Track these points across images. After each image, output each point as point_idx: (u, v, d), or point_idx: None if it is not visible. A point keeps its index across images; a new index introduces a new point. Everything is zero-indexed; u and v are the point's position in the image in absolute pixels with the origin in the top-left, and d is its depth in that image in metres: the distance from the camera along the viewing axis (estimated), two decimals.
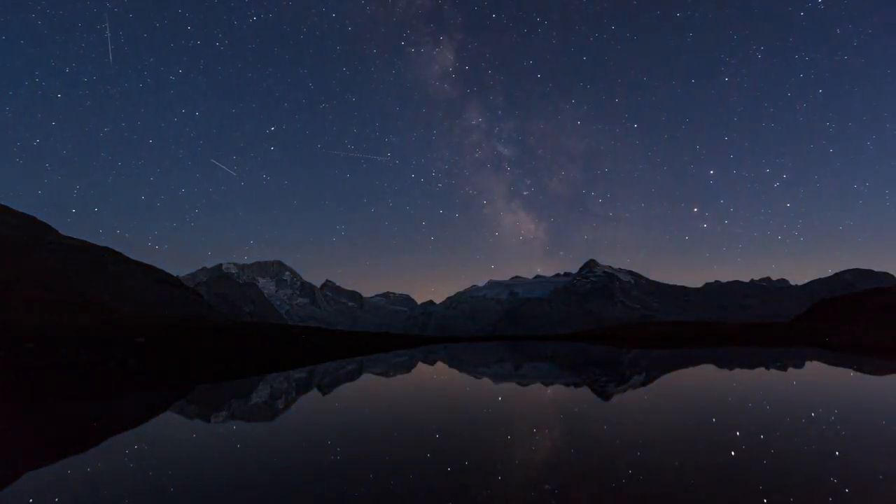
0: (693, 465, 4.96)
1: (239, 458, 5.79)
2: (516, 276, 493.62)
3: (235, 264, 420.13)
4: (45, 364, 23.54)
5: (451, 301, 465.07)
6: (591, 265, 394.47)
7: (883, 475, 4.55)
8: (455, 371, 19.65)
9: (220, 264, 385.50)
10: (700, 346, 39.05)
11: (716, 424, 7.15)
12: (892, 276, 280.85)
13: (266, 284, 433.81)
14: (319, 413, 9.34)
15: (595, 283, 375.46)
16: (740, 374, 15.82)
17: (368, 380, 16.49)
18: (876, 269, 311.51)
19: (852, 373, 15.97)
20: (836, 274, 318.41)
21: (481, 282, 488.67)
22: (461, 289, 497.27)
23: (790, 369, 17.34)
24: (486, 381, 15.14)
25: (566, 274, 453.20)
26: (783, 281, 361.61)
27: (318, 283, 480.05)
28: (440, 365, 23.14)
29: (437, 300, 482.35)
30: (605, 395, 10.99)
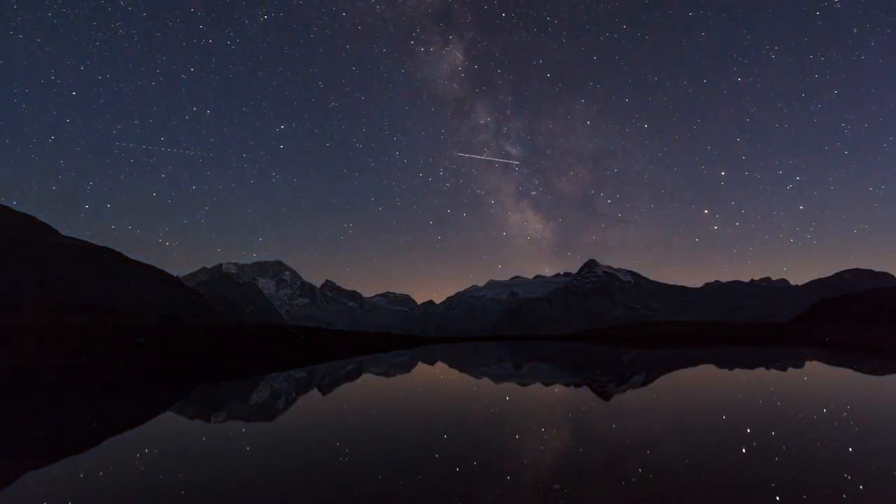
0: (694, 466, 4.96)
1: (239, 459, 5.79)
2: (516, 276, 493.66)
3: (235, 264, 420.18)
4: (45, 364, 23.54)
5: (451, 301, 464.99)
6: (591, 265, 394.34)
7: (883, 475, 4.55)
8: (455, 371, 19.65)
9: (220, 264, 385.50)
10: (700, 346, 39.04)
11: (716, 425, 7.15)
12: (892, 276, 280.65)
13: (266, 284, 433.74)
14: (319, 413, 9.34)
15: (595, 283, 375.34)
16: (740, 374, 15.82)
17: (368, 380, 16.49)
18: (876, 269, 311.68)
19: (852, 373, 15.96)
20: (836, 274, 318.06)
21: (483, 282, 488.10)
22: (461, 289, 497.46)
23: (790, 369, 17.34)
24: (486, 381, 15.13)
25: (566, 274, 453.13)
26: (783, 281, 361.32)
27: (318, 283, 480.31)
28: (440, 365, 23.14)
29: (438, 300, 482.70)
30: (605, 396, 10.99)
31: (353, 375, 18.13)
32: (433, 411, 9.12)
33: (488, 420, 8.04)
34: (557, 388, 12.83)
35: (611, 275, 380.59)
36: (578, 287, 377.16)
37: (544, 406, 9.64)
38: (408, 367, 21.68)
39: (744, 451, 5.48)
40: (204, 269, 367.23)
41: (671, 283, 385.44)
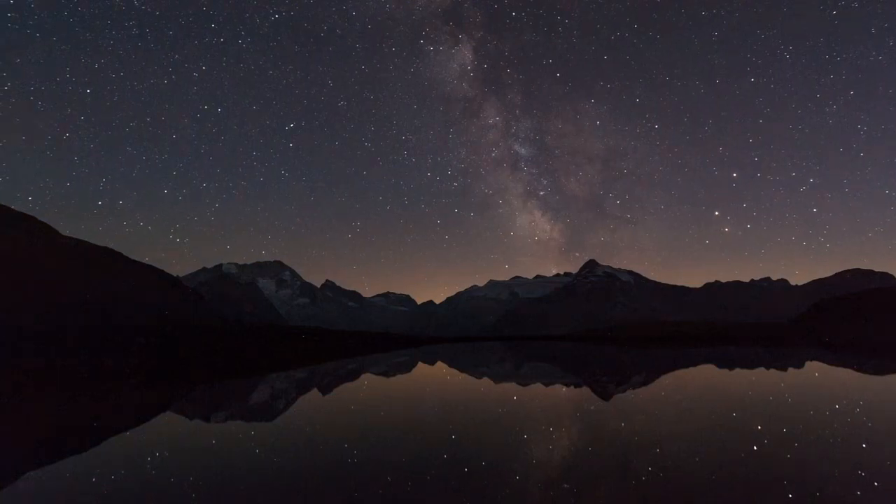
0: (694, 466, 4.96)
1: (239, 459, 5.79)
2: (516, 276, 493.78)
3: (236, 264, 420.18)
4: (45, 364, 23.52)
5: (451, 301, 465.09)
6: (591, 265, 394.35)
7: (884, 475, 4.55)
8: (455, 371, 19.65)
9: (220, 264, 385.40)
10: (700, 346, 39.03)
11: (716, 426, 7.15)
12: (891, 276, 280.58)
13: (266, 284, 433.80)
14: (319, 413, 9.34)
15: (595, 283, 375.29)
16: (740, 374, 15.82)
17: (369, 380, 16.48)
18: (876, 269, 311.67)
19: (852, 373, 15.96)
20: (836, 274, 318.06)
21: (483, 282, 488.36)
22: (462, 289, 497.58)
23: (790, 369, 17.34)
24: (486, 381, 15.13)
25: (566, 274, 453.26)
26: (783, 281, 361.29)
27: (318, 283, 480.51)
28: (440, 365, 23.14)
29: (438, 300, 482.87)
30: (605, 396, 10.99)
31: (353, 375, 18.13)
32: (433, 412, 9.11)
33: (489, 420, 8.04)
34: (557, 389, 12.83)
35: (611, 275, 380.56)
36: (578, 287, 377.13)
37: (545, 406, 9.64)
38: (408, 368, 21.68)
39: (744, 451, 5.48)
40: (204, 269, 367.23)
41: (671, 283, 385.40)
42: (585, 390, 12.24)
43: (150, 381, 16.99)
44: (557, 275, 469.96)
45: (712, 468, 4.86)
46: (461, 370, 20.06)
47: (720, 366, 19.34)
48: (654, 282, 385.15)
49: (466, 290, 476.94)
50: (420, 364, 23.71)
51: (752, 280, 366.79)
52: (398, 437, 6.77)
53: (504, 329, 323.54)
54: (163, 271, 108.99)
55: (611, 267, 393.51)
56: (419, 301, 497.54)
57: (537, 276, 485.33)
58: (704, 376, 15.32)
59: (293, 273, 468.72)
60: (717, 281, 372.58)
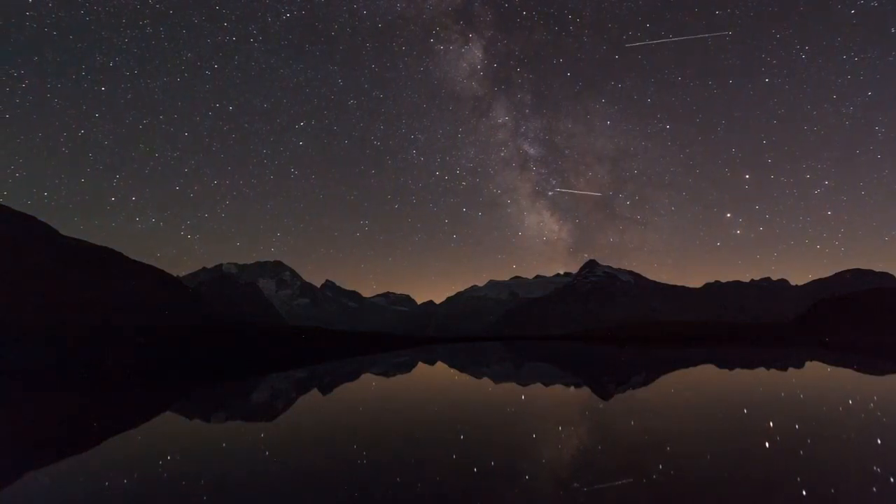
0: (694, 466, 4.96)
1: (239, 459, 5.78)
2: (516, 276, 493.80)
3: (236, 264, 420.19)
4: (45, 363, 23.53)
5: (452, 301, 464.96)
6: (591, 265, 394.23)
7: (884, 475, 4.55)
8: (455, 371, 19.65)
9: (220, 264, 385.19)
10: (700, 346, 39.04)
11: (716, 426, 7.15)
12: (892, 276, 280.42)
13: (266, 284, 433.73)
14: (319, 414, 9.34)
15: (595, 283, 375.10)
16: (740, 374, 15.81)
17: (368, 380, 16.48)
18: (876, 269, 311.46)
19: (852, 373, 15.96)
20: (836, 274, 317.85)
21: (483, 282, 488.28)
22: (462, 289, 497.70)
23: (790, 369, 17.34)
24: (486, 381, 15.13)
25: (566, 274, 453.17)
26: (783, 281, 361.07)
27: (318, 283, 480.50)
28: (440, 365, 23.13)
29: (438, 300, 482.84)
30: (605, 396, 10.99)
31: (353, 376, 18.13)
32: (433, 412, 9.11)
33: (489, 420, 8.04)
34: (558, 389, 12.83)
35: (611, 275, 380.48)
36: (578, 287, 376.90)
37: (545, 406, 9.63)
38: (408, 368, 21.68)
39: (744, 451, 5.47)
40: (204, 269, 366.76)
41: (670, 282, 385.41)
42: (585, 390, 12.24)
43: (149, 382, 16.99)
44: (557, 275, 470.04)
45: (713, 468, 4.86)
46: (461, 370, 20.06)
47: (720, 366, 19.33)
48: (654, 282, 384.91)
49: (466, 290, 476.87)
50: (420, 364, 23.70)
51: (752, 280, 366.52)
52: (398, 437, 6.77)
53: (504, 329, 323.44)
54: (163, 271, 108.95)
55: (611, 267, 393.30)
56: (419, 301, 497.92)
57: (537, 276, 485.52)
58: (704, 376, 15.32)
59: (293, 273, 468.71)
60: (717, 281, 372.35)
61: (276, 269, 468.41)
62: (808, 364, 19.80)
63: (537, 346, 47.94)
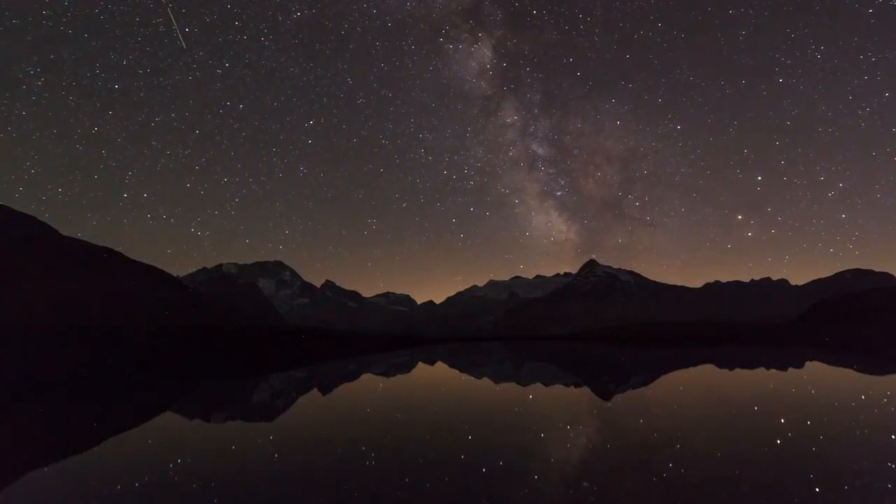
0: (695, 466, 4.96)
1: (239, 459, 5.79)
2: (516, 276, 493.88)
3: (236, 264, 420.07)
4: (44, 364, 23.54)
5: (451, 301, 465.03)
6: (591, 265, 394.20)
7: (885, 475, 4.55)
8: (455, 372, 19.65)
9: (220, 264, 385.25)
10: (700, 347, 39.05)
11: (716, 426, 7.15)
12: (892, 276, 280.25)
13: (266, 284, 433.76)
14: (319, 414, 9.34)
15: (595, 283, 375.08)
16: (740, 374, 15.81)
17: (368, 380, 16.48)
18: (876, 269, 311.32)
19: (852, 373, 15.96)
20: (837, 274, 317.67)
21: (483, 282, 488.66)
22: (462, 289, 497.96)
23: (790, 369, 17.34)
24: (486, 381, 15.14)
25: (566, 274, 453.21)
26: (783, 281, 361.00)
27: (318, 283, 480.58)
28: (440, 365, 23.14)
29: (438, 300, 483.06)
30: (605, 396, 10.99)
31: (353, 376, 18.13)
32: (433, 412, 9.11)
33: (489, 420, 8.04)
34: (558, 389, 12.83)
35: (611, 275, 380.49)
36: (578, 287, 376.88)
37: (545, 406, 9.64)
38: (408, 368, 21.68)
39: (745, 451, 5.48)
40: (204, 269, 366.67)
41: (670, 282, 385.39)
42: (585, 390, 12.24)
43: (149, 382, 16.99)
44: (557, 275, 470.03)
45: (713, 468, 4.86)
46: (461, 370, 20.06)
47: (720, 366, 19.33)
48: (654, 282, 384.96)
49: (466, 291, 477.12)
50: (420, 364, 23.71)
51: (752, 280, 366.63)
52: (398, 437, 6.77)
53: (504, 329, 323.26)
54: (163, 271, 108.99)
55: (611, 267, 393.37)
56: (419, 301, 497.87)
57: (537, 276, 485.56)
58: (704, 376, 15.32)
59: (293, 273, 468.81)
60: (717, 281, 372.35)
61: (276, 269, 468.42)
62: (808, 364, 19.80)
63: (537, 346, 47.95)
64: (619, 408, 9.15)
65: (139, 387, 15.29)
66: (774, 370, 16.91)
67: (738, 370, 17.11)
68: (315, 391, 13.43)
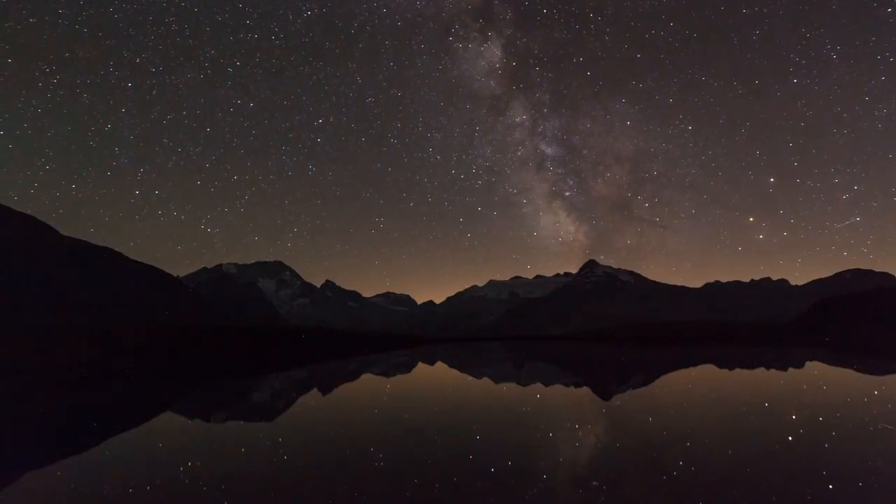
0: (695, 466, 4.96)
1: (239, 459, 5.78)
2: (516, 276, 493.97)
3: (236, 264, 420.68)
4: (45, 363, 23.53)
5: (451, 301, 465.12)
6: (591, 265, 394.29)
7: (884, 475, 4.55)
8: (455, 372, 19.65)
9: (220, 264, 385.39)
10: (700, 346, 39.04)
11: (716, 426, 7.15)
12: (892, 276, 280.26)
13: (266, 284, 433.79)
14: (319, 414, 9.34)
15: (595, 283, 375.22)
16: (740, 374, 15.81)
17: (368, 380, 16.49)
18: (876, 269, 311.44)
19: (852, 373, 15.95)
20: (837, 274, 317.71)
21: (483, 282, 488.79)
22: (461, 288, 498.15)
23: (790, 369, 17.34)
24: (486, 381, 15.13)
25: (566, 274, 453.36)
26: (783, 281, 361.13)
27: (318, 283, 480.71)
28: (440, 365, 23.14)
29: (438, 300, 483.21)
30: (605, 396, 10.99)
31: (353, 376, 18.13)
32: (434, 412, 9.11)
33: (489, 420, 8.04)
34: (558, 389, 12.83)
35: (611, 275, 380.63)
36: (578, 287, 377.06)
37: (545, 406, 9.64)
38: (408, 368, 21.68)
39: (745, 451, 5.47)
40: (204, 269, 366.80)
41: (670, 282, 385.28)
42: (586, 390, 12.24)
43: (149, 382, 16.99)
44: (557, 275, 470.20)
45: (713, 468, 4.86)
46: (461, 370, 20.06)
47: (720, 366, 19.33)
48: (654, 282, 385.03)
49: (466, 290, 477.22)
50: (420, 364, 23.70)
51: (752, 280, 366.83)
52: (398, 437, 6.77)
53: (504, 329, 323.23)
54: (163, 271, 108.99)
55: (611, 267, 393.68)
56: (419, 301, 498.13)
57: (537, 276, 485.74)
58: (704, 376, 15.32)
59: (293, 273, 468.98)
60: (717, 281, 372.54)
61: (276, 269, 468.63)
62: (808, 364, 19.80)
63: (537, 346, 47.94)
64: (620, 408, 9.15)
65: (139, 387, 15.29)
66: (774, 370, 16.91)
67: (738, 370, 17.11)
68: (315, 391, 13.43)
